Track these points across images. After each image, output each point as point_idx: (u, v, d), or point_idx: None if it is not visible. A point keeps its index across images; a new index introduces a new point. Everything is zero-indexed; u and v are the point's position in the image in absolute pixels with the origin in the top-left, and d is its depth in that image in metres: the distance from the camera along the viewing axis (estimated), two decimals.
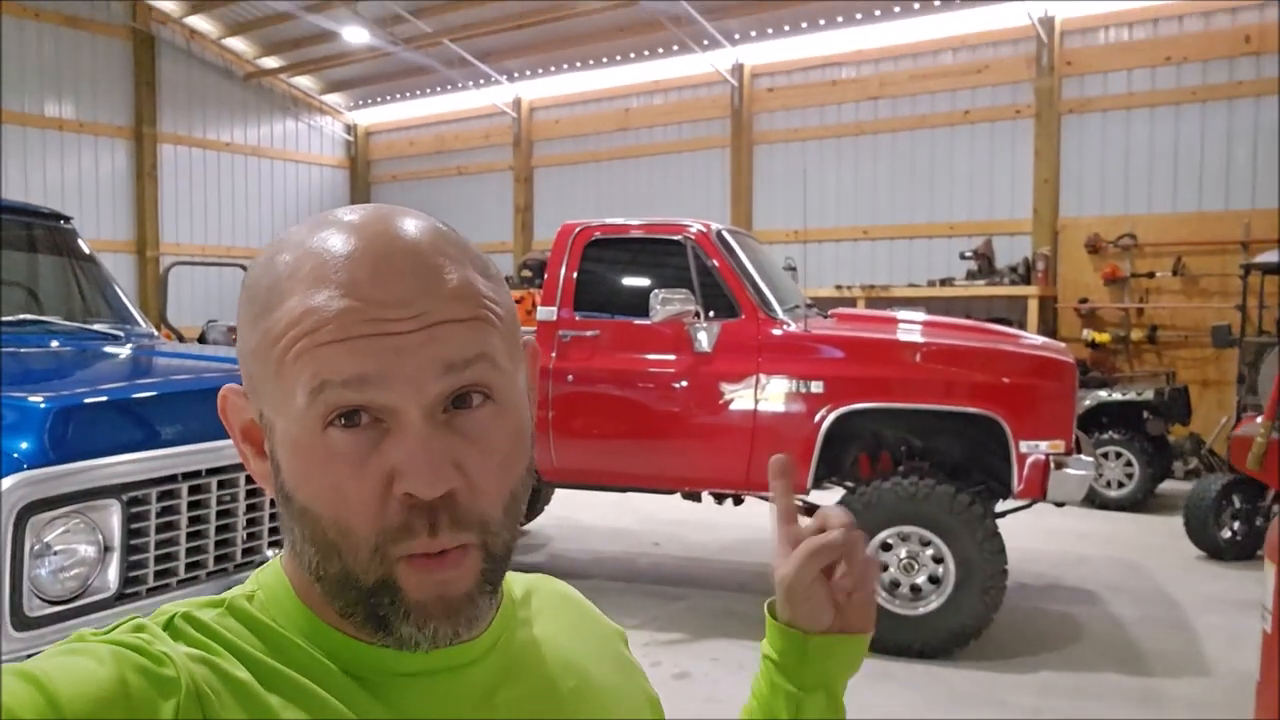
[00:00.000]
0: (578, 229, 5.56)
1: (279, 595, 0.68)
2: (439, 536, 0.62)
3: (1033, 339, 5.71)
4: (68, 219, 4.12)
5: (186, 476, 2.49)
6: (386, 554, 0.62)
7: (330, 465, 0.62)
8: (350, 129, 16.50)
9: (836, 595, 0.82)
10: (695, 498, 5.57)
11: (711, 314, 5.15)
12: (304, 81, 15.67)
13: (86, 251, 4.08)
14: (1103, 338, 9.76)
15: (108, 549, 2.34)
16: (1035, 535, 6.76)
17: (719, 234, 5.36)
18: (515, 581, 0.80)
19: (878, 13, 11.08)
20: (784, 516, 0.84)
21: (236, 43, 14.80)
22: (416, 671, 0.67)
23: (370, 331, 0.60)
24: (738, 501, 5.50)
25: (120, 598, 2.37)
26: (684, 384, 5.19)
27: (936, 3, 10.72)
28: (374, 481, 0.61)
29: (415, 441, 0.61)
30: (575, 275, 5.45)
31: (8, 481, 2.13)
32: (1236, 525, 6.49)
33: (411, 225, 0.65)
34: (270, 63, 15.05)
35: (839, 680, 0.86)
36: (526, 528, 7.36)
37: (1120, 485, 8.07)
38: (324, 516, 0.62)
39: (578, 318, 5.40)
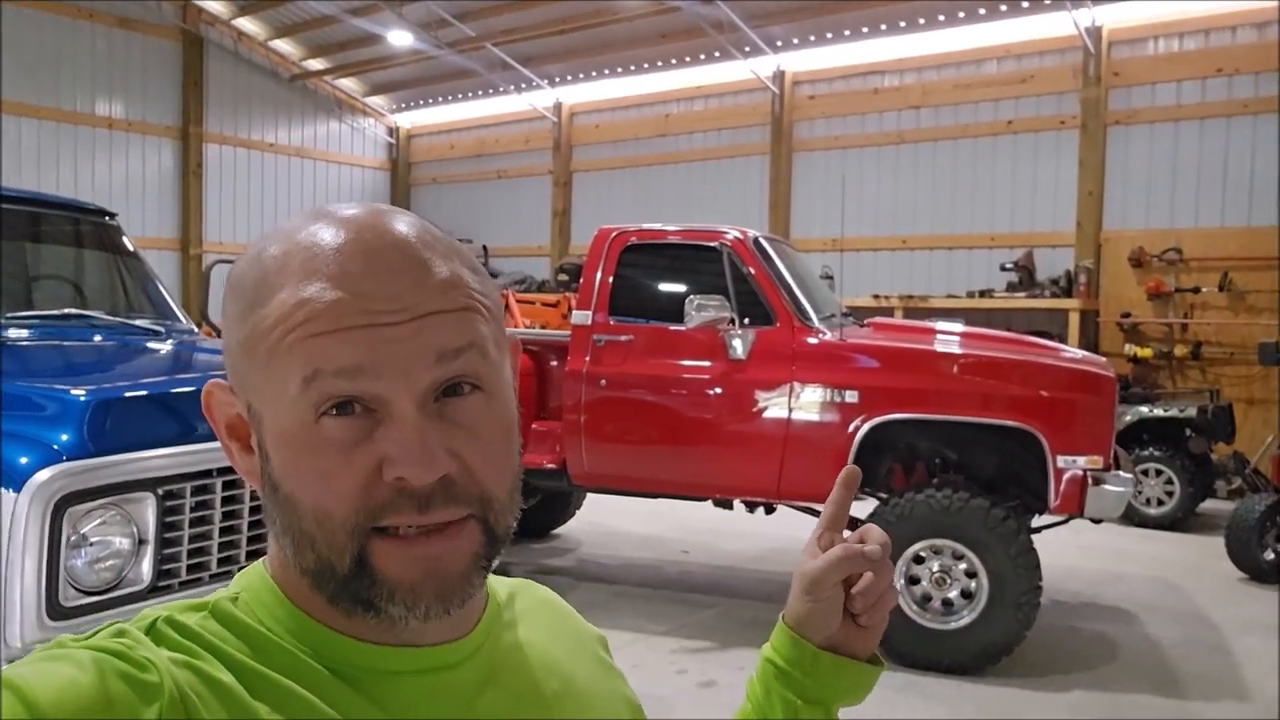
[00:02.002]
0: (614, 234, 5.56)
1: (264, 596, 0.68)
2: (430, 513, 0.62)
3: (1072, 352, 5.63)
4: (112, 215, 4.19)
5: (221, 471, 2.52)
6: (363, 527, 0.62)
7: (320, 452, 0.62)
8: (392, 131, 16.66)
9: (850, 607, 0.84)
10: (727, 505, 5.55)
11: (746, 321, 5.13)
12: (348, 84, 15.85)
13: (130, 248, 4.15)
14: (1145, 353, 9.59)
15: (142, 541, 2.38)
16: (1071, 552, 6.65)
17: (755, 241, 5.34)
18: (499, 585, 0.80)
19: (921, 21, 10.99)
20: (832, 523, 0.86)
21: (283, 45, 15.01)
22: (403, 670, 0.67)
23: (363, 322, 0.61)
24: (769, 510, 5.47)
25: (154, 590, 2.40)
26: (717, 391, 5.17)
27: (981, 11, 10.62)
28: (362, 468, 0.62)
29: (409, 430, 0.61)
30: (611, 280, 5.45)
31: (46, 473, 2.17)
32: None
33: (399, 221, 0.66)
34: (315, 65, 15.24)
35: (837, 701, 0.87)
36: (556, 531, 7.37)
37: (1160, 503, 7.93)
38: (304, 504, 0.63)
39: (612, 322, 5.40)
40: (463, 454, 0.63)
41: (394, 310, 0.62)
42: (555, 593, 0.89)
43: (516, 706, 0.72)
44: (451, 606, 0.64)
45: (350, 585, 0.63)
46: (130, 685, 0.56)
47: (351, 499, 0.62)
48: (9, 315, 3.37)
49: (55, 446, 2.24)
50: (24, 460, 2.18)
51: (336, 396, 0.62)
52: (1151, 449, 7.93)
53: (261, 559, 0.71)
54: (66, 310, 3.57)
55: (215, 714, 0.59)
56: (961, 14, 10.73)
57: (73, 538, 2.23)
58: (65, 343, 3.37)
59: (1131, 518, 7.78)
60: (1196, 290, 9.48)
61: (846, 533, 0.86)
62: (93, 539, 2.28)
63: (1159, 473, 7.93)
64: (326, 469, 0.62)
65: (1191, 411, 7.99)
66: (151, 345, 3.56)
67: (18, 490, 2.14)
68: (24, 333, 3.32)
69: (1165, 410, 8.11)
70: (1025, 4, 10.35)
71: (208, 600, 0.67)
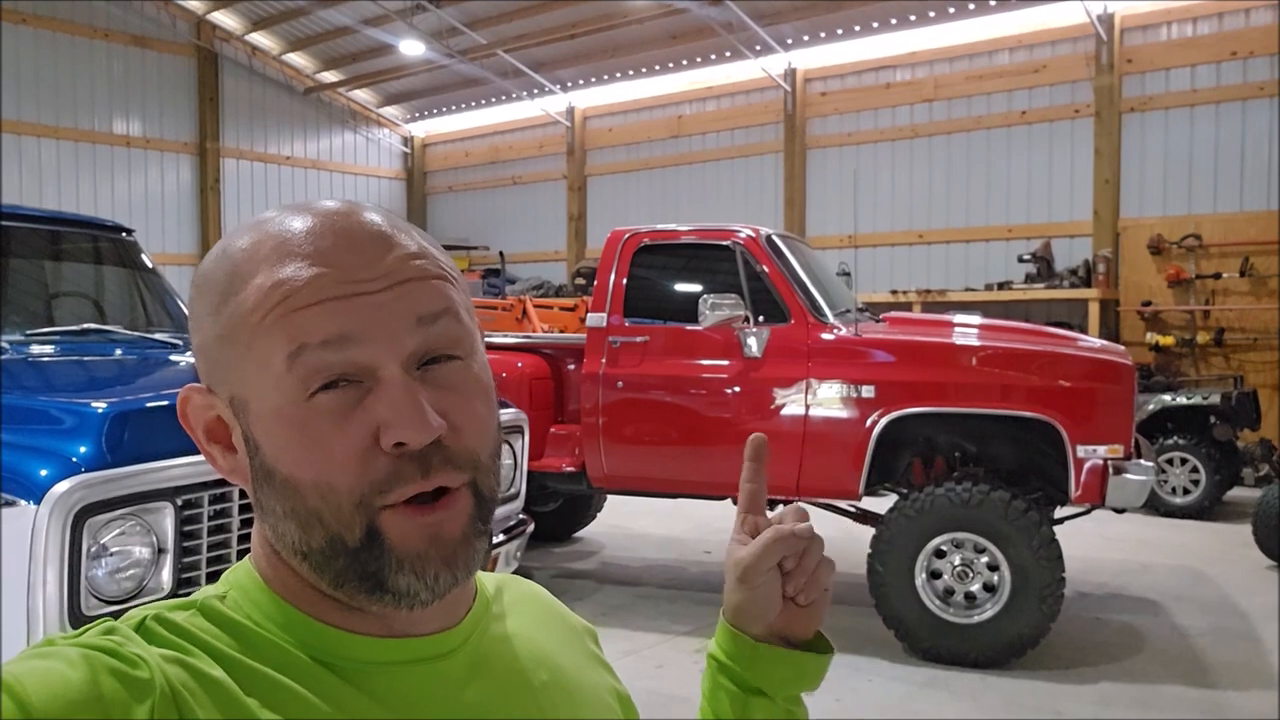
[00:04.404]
0: (627, 235, 5.57)
1: (252, 592, 0.68)
2: (432, 477, 0.63)
3: (1090, 341, 5.59)
4: (130, 231, 4.24)
5: None
6: (371, 504, 0.63)
7: (313, 426, 0.63)
8: (407, 141, 16.75)
9: (786, 590, 0.80)
10: None
11: (761, 319, 5.13)
12: (362, 95, 15.96)
13: (148, 264, 4.20)
14: (1167, 341, 9.51)
15: (161, 550, 2.40)
16: (1095, 543, 6.60)
17: (768, 239, 5.34)
18: (487, 579, 0.80)
19: (932, 14, 10.96)
20: (752, 504, 0.82)
21: (296, 58, 15.13)
22: (393, 661, 0.68)
23: (342, 293, 0.63)
24: None
25: (174, 599, 2.42)
26: (734, 389, 5.17)
27: (992, 2, 10.58)
28: (358, 435, 0.62)
29: (399, 392, 0.62)
30: (625, 281, 5.46)
31: (65, 485, 2.20)
32: None
33: (363, 207, 0.69)
34: (329, 77, 15.35)
35: (784, 690, 0.84)
36: (578, 535, 7.38)
37: (1186, 492, 7.86)
38: (305, 482, 0.63)
39: (627, 324, 5.41)
40: (450, 415, 0.64)
41: (372, 278, 0.64)
42: (544, 589, 0.89)
43: (505, 697, 0.72)
44: (458, 572, 0.65)
45: (360, 557, 0.63)
46: (122, 682, 0.56)
47: (353, 467, 0.62)
48: (30, 332, 3.42)
49: (74, 458, 2.27)
50: (44, 473, 2.21)
51: (323, 372, 0.62)
52: (1176, 437, 7.86)
53: (248, 557, 0.71)
54: (86, 326, 3.62)
55: (207, 710, 0.59)
56: (972, 5, 10.69)
57: (93, 548, 2.26)
58: (85, 358, 3.42)
59: (1157, 507, 7.71)
60: (1217, 276, 9.39)
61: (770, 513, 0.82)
62: (113, 549, 2.31)
63: (1184, 461, 7.86)
64: (322, 440, 0.62)
65: (1215, 398, 7.91)
66: (171, 358, 3.59)
67: (38, 502, 2.16)
68: (45, 348, 3.36)
69: (1189, 398, 8.04)
70: None
71: (195, 598, 0.67)
